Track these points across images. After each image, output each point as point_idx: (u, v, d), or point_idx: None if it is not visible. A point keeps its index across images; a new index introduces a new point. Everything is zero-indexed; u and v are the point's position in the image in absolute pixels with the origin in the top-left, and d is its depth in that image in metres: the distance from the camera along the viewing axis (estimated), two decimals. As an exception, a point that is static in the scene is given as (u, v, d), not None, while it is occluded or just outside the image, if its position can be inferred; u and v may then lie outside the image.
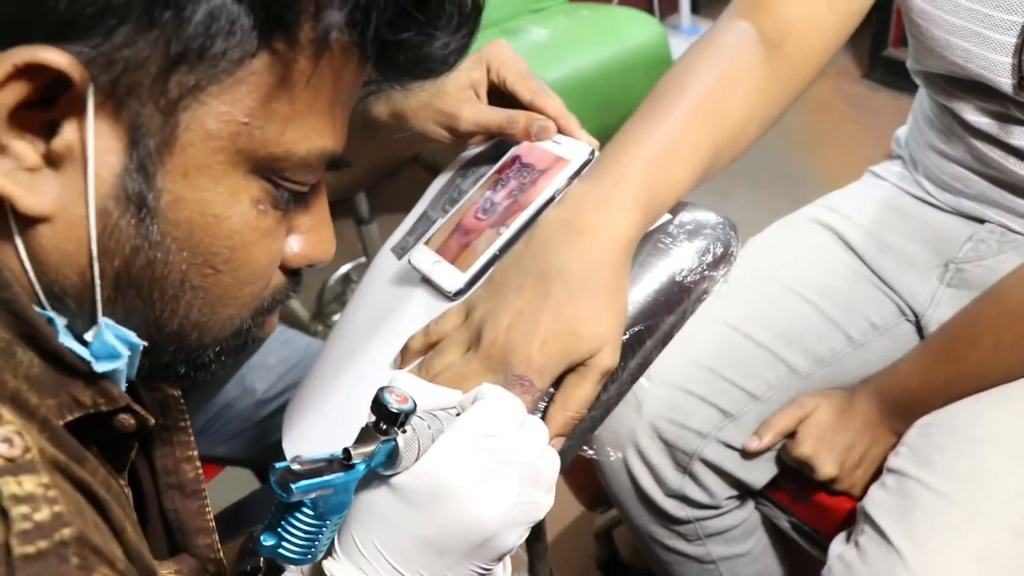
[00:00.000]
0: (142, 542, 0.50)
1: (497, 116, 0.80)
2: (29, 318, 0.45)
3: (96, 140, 0.44)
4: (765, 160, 0.84)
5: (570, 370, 0.66)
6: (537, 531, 1.03)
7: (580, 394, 0.66)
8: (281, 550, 0.53)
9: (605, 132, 0.79)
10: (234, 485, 1.31)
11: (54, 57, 0.41)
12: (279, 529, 0.53)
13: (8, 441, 0.39)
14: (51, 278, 0.47)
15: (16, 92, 0.41)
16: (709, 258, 0.72)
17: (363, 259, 2.21)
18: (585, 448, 0.75)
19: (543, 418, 0.66)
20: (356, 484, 0.55)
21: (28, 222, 0.45)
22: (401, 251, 0.83)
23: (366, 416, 0.70)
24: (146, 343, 0.50)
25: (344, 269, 2.26)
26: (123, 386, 0.51)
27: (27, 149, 0.43)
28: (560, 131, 0.79)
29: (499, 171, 0.80)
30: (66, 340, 0.47)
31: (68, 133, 0.44)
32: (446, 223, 0.79)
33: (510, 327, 0.65)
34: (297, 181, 0.51)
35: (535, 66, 0.84)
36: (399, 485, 0.54)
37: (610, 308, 0.67)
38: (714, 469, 1.05)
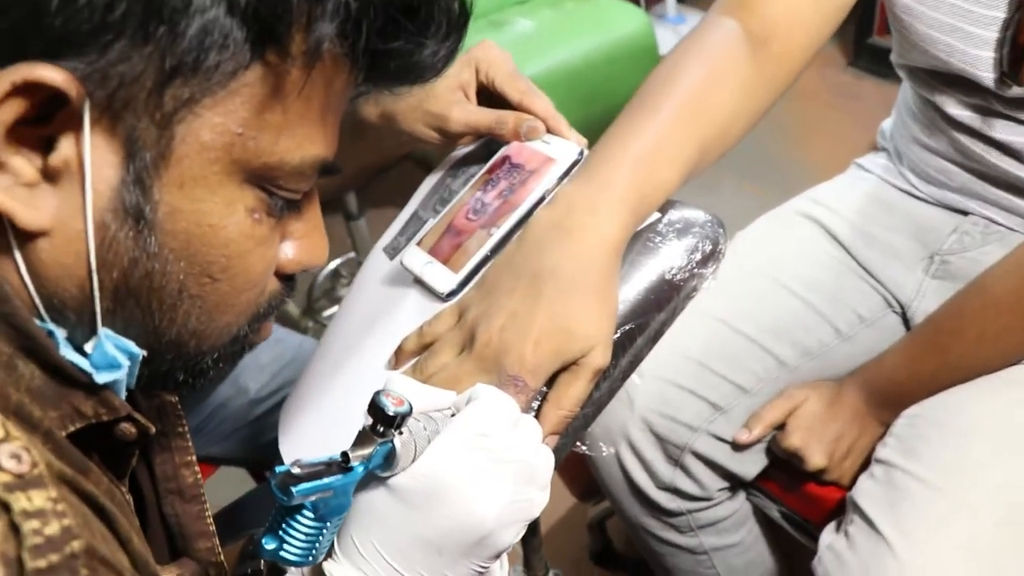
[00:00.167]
0: (147, 550, 0.50)
1: (486, 117, 0.80)
2: (29, 331, 0.46)
3: (93, 154, 0.44)
4: (752, 149, 0.85)
5: (563, 369, 0.67)
6: (532, 526, 1.04)
7: (573, 393, 0.67)
8: (283, 553, 0.54)
9: (592, 123, 0.79)
10: (229, 484, 1.32)
11: (51, 75, 0.41)
12: (280, 532, 0.54)
13: (16, 457, 0.40)
14: (50, 291, 0.47)
15: (13, 109, 0.42)
16: (698, 256, 0.73)
17: (352, 254, 2.22)
18: (578, 444, 0.76)
19: (537, 417, 0.67)
20: (355, 486, 0.55)
21: (27, 236, 0.45)
22: (393, 251, 0.84)
23: (362, 417, 0.71)
24: (145, 352, 0.51)
25: (333, 265, 2.26)
26: (123, 395, 0.52)
27: (25, 165, 0.44)
28: (549, 131, 0.80)
29: (489, 171, 0.80)
30: (66, 352, 0.48)
31: (65, 148, 0.44)
32: (437, 224, 0.79)
33: (503, 328, 0.66)
34: (291, 189, 0.51)
35: (521, 58, 0.84)
36: (397, 486, 0.55)
37: (601, 308, 0.67)
38: (705, 461, 1.07)
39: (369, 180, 1.00)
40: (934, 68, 0.96)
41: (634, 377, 0.74)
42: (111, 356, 0.49)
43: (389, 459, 0.55)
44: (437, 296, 0.75)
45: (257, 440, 1.19)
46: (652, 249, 0.73)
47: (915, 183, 1.10)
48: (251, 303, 0.54)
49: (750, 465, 1.08)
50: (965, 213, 1.06)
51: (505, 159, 0.80)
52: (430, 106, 0.81)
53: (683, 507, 1.10)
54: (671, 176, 0.75)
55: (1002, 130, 0.94)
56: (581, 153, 0.77)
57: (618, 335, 0.70)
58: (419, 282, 0.77)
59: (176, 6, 0.42)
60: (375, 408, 0.55)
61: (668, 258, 0.73)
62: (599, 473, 1.12)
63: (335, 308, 2.20)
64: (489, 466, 0.56)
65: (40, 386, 0.47)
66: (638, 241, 0.74)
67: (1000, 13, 0.86)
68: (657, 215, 0.75)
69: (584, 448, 0.77)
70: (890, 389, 0.99)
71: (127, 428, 0.52)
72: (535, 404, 0.68)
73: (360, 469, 0.54)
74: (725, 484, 1.10)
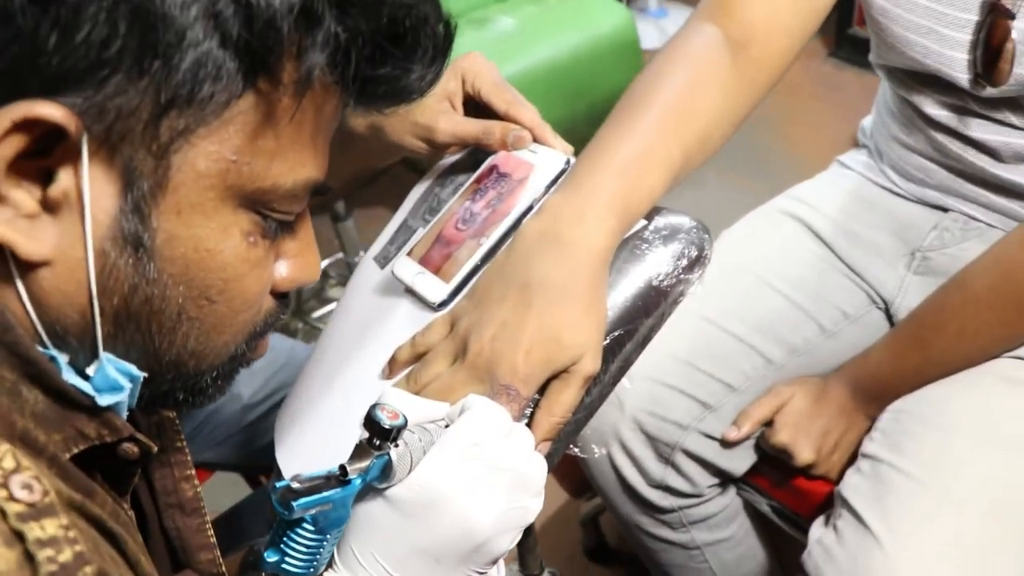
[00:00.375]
0: (154, 571, 0.52)
1: (473, 127, 0.81)
2: (33, 358, 0.47)
3: (92, 185, 0.45)
4: (735, 140, 0.86)
5: (554, 377, 0.68)
6: (527, 528, 1.05)
7: (564, 400, 0.68)
8: (285, 565, 0.55)
9: (575, 119, 0.80)
10: (223, 490, 1.33)
11: (50, 111, 0.42)
12: (282, 545, 0.55)
13: (28, 487, 0.41)
14: (52, 318, 0.48)
15: (14, 145, 0.43)
16: (684, 262, 0.74)
17: (340, 255, 2.22)
18: (570, 447, 0.77)
19: (529, 424, 0.68)
20: (353, 498, 0.57)
21: (29, 266, 0.46)
22: (383, 260, 0.85)
23: (358, 428, 0.72)
24: (146, 374, 0.52)
25: (322, 266, 2.27)
26: (125, 416, 0.53)
27: (25, 197, 0.45)
28: (535, 140, 0.81)
29: (477, 181, 0.81)
30: (69, 377, 0.49)
31: (64, 180, 0.45)
32: (427, 233, 0.80)
33: (495, 338, 0.67)
34: (284, 211, 0.53)
35: (503, 56, 0.85)
36: (394, 497, 0.57)
37: (590, 316, 0.69)
38: (695, 459, 1.08)
39: (358, 188, 1.01)
40: (911, 68, 0.97)
41: (624, 381, 0.75)
42: (113, 379, 0.50)
43: (386, 471, 0.57)
44: (428, 306, 0.76)
45: (251, 445, 1.20)
46: (639, 256, 0.74)
47: (896, 180, 1.12)
48: (248, 322, 0.55)
49: (740, 461, 1.10)
50: (945, 210, 1.08)
51: (493, 168, 0.81)
52: (417, 117, 0.82)
53: (675, 504, 1.11)
54: (656, 183, 0.76)
55: (978, 129, 0.96)
56: (567, 162, 0.78)
57: (607, 341, 0.71)
58: (410, 292, 0.78)
59: (170, 41, 0.43)
60: (371, 422, 0.56)
61: (655, 264, 0.74)
62: (591, 472, 1.14)
63: (325, 309, 2.21)
64: (484, 475, 0.57)
65: (44, 410, 0.48)
66: (625, 248, 0.75)
67: (972, 16, 0.88)
68: (643, 223, 0.76)
69: (576, 450, 0.78)
70: (875, 384, 1.01)
71: (129, 448, 0.53)
72: (528, 411, 0.69)
73: (358, 482, 0.56)
74: (715, 480, 1.12)
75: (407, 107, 0.81)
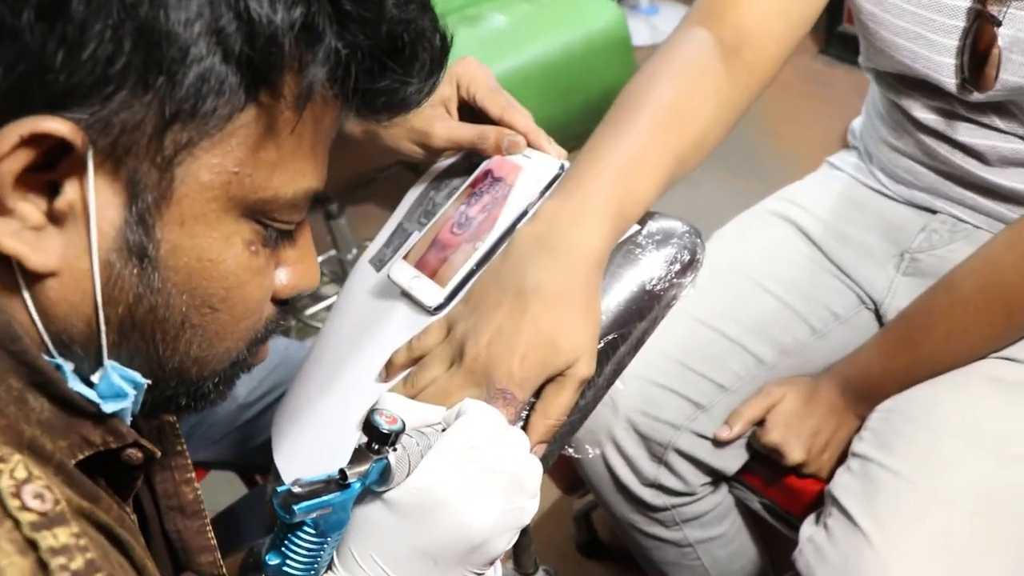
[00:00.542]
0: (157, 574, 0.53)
1: (468, 132, 0.82)
2: (39, 367, 0.48)
3: (97, 197, 0.46)
4: (727, 138, 0.88)
5: (549, 380, 0.69)
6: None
7: (559, 402, 0.69)
8: (286, 568, 0.56)
9: (568, 116, 0.81)
10: (219, 488, 1.33)
11: (56, 126, 0.43)
12: (283, 548, 0.56)
13: (40, 497, 0.42)
14: (59, 327, 0.49)
15: (21, 159, 0.44)
16: (677, 266, 0.75)
17: (333, 252, 2.23)
18: (565, 448, 0.78)
19: (525, 427, 0.70)
20: (353, 502, 0.58)
21: (35, 277, 0.47)
22: (379, 263, 0.86)
23: (355, 430, 0.73)
24: (149, 381, 0.53)
25: (315, 263, 2.27)
26: (128, 422, 0.54)
27: (31, 209, 0.46)
28: (530, 145, 0.82)
29: (472, 185, 0.82)
30: (74, 384, 0.50)
31: (70, 192, 0.46)
32: (423, 237, 0.81)
33: (491, 343, 0.68)
34: (285, 220, 0.53)
35: (495, 53, 0.86)
36: (393, 500, 0.58)
37: (585, 321, 0.70)
38: (688, 458, 1.09)
39: (352, 190, 1.02)
40: (899, 73, 0.98)
41: (618, 383, 0.76)
42: (117, 386, 0.51)
43: (385, 475, 0.58)
44: (425, 310, 0.77)
45: (246, 444, 1.20)
46: (632, 260, 0.75)
47: (885, 182, 1.13)
48: (250, 329, 0.56)
49: (731, 460, 1.11)
50: (933, 212, 1.09)
51: (487, 173, 0.82)
52: (413, 122, 0.83)
53: (668, 502, 1.13)
54: (650, 188, 0.77)
55: (965, 133, 0.97)
56: (562, 167, 0.79)
57: (601, 345, 0.73)
58: (406, 295, 0.79)
59: (174, 57, 0.44)
60: (370, 427, 0.57)
61: (648, 269, 0.75)
62: (585, 471, 1.15)
63: (318, 306, 2.21)
64: (480, 478, 0.59)
65: (50, 418, 0.49)
66: (619, 253, 0.76)
67: (959, 22, 0.89)
68: (637, 227, 0.77)
69: (570, 450, 0.79)
70: (865, 384, 1.02)
71: (133, 453, 0.54)
72: (523, 414, 0.70)
73: (357, 485, 0.57)
74: (708, 479, 1.13)
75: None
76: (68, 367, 0.50)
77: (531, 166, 0.80)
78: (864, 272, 1.12)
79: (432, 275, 0.77)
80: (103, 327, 0.49)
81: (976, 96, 0.92)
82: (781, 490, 1.11)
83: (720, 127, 0.87)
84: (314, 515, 0.55)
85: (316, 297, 2.28)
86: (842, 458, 1.02)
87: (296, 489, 0.55)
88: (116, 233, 0.47)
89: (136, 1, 0.42)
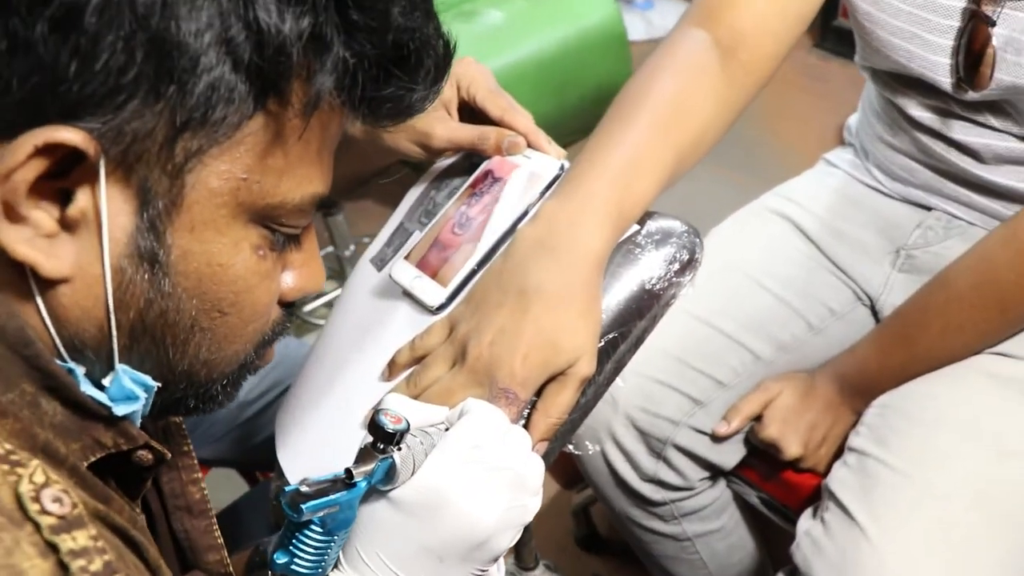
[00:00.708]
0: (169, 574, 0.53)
1: (469, 133, 0.83)
2: (52, 371, 0.48)
3: (109, 204, 0.47)
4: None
5: (551, 379, 0.70)
6: (524, 523, 1.07)
7: (561, 401, 0.70)
8: (294, 566, 0.57)
9: (564, 111, 0.81)
10: (219, 485, 1.34)
11: (70, 136, 0.44)
12: (291, 547, 0.57)
13: (59, 500, 0.43)
14: (71, 332, 0.50)
15: (35, 168, 0.44)
16: (676, 265, 0.76)
17: (330, 248, 2.23)
18: (566, 445, 0.79)
19: (527, 425, 0.71)
20: (359, 500, 0.59)
21: (48, 284, 0.48)
22: (380, 263, 0.86)
23: (358, 429, 0.74)
24: (160, 384, 0.53)
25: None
26: (138, 424, 0.55)
27: (44, 217, 0.46)
28: (530, 145, 0.82)
29: (472, 185, 0.83)
30: (86, 388, 0.51)
31: (82, 200, 0.46)
32: (424, 237, 0.82)
33: (493, 343, 0.69)
34: (292, 225, 0.54)
35: (491, 49, 0.86)
36: (398, 499, 0.59)
37: (586, 321, 0.71)
38: (686, 453, 1.10)
39: (352, 190, 1.03)
40: (895, 71, 0.99)
41: (618, 380, 0.77)
42: (128, 389, 0.52)
43: (390, 474, 0.58)
44: (427, 309, 0.77)
45: (247, 442, 1.21)
46: (632, 260, 0.76)
47: (881, 179, 1.14)
48: (257, 332, 0.57)
49: (729, 455, 1.12)
50: (928, 208, 1.10)
51: (488, 173, 0.82)
52: (414, 123, 0.83)
53: (667, 497, 1.14)
54: (649, 188, 0.77)
55: (960, 131, 0.98)
56: (562, 168, 0.79)
57: (602, 344, 0.73)
58: (408, 295, 0.79)
59: (185, 66, 0.45)
60: (375, 426, 0.58)
61: (648, 268, 0.76)
62: (584, 467, 1.16)
63: (316, 303, 2.22)
64: (483, 476, 0.59)
65: (63, 421, 0.50)
66: (619, 252, 0.76)
67: (954, 22, 0.90)
68: (636, 227, 0.78)
69: (571, 447, 0.80)
70: (861, 379, 1.03)
71: (144, 455, 0.55)
72: (525, 412, 0.71)
73: (363, 484, 0.58)
74: (706, 474, 1.14)
75: (406, 119, 0.83)
76: (80, 371, 0.51)
77: (532, 166, 0.80)
78: (860, 269, 1.13)
79: (433, 275, 0.78)
80: (115, 332, 0.50)
81: (971, 95, 0.93)
82: (779, 484, 1.12)
83: (718, 127, 0.88)
84: (321, 514, 0.56)
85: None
86: (839, 453, 1.03)
87: (304, 488, 0.56)
88: (127, 239, 0.48)
89: (148, 12, 0.43)
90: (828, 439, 1.06)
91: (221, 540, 0.68)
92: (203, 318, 0.52)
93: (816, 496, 1.04)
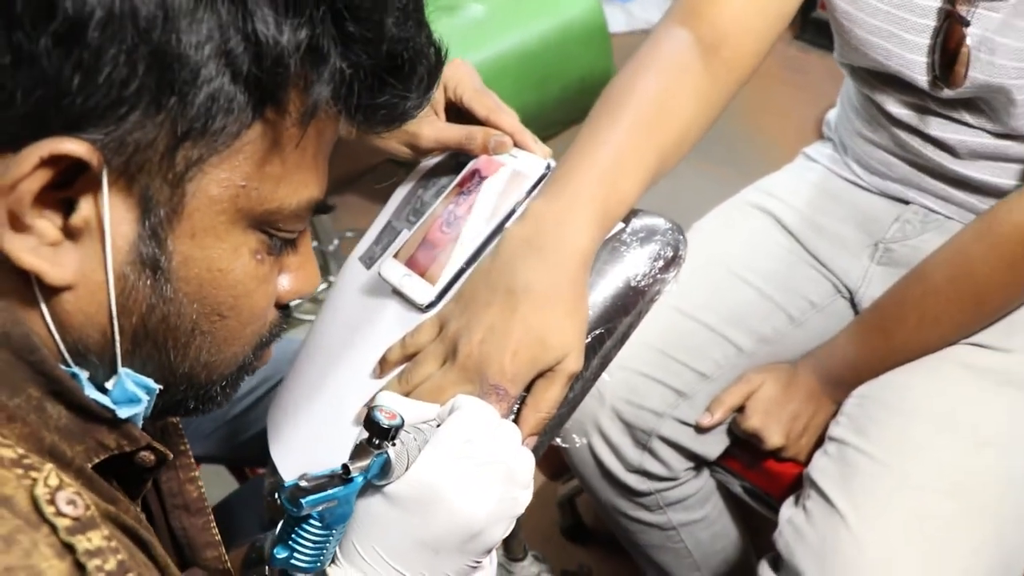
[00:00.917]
0: (178, 573, 0.55)
1: (456, 133, 0.84)
2: (57, 376, 0.50)
3: (111, 213, 0.48)
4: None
5: (539, 376, 0.72)
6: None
7: (549, 396, 0.72)
8: (293, 560, 0.58)
9: (545, 104, 0.82)
10: (208, 481, 1.34)
11: (74, 147, 0.45)
12: (290, 542, 0.58)
13: (72, 503, 0.44)
14: (74, 337, 0.51)
15: (40, 179, 0.45)
16: (661, 262, 0.78)
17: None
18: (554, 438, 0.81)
19: (516, 420, 0.72)
20: (355, 495, 0.60)
21: (52, 291, 0.49)
22: (369, 261, 0.87)
23: (350, 426, 0.75)
24: (161, 386, 0.55)
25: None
26: (140, 426, 0.56)
27: (48, 226, 0.47)
28: (516, 145, 0.84)
29: (460, 184, 0.84)
30: (90, 392, 0.52)
31: (85, 209, 0.48)
32: (412, 236, 0.83)
33: (483, 341, 0.71)
34: (289, 229, 0.56)
35: (473, 43, 0.87)
36: (393, 493, 0.60)
37: (573, 318, 0.72)
38: (671, 444, 1.12)
39: (338, 188, 1.04)
40: (873, 69, 1.01)
41: (604, 375, 0.79)
42: (131, 392, 0.53)
43: (385, 469, 0.60)
44: (416, 307, 0.79)
45: (236, 438, 1.21)
46: (618, 257, 0.78)
47: (859, 173, 1.16)
48: (256, 334, 0.58)
49: (713, 446, 1.14)
50: (906, 202, 1.12)
51: (475, 172, 0.84)
52: None
53: (652, 487, 1.15)
54: (633, 187, 0.79)
55: (937, 127, 1.00)
56: (548, 167, 0.81)
57: (589, 340, 0.75)
58: (397, 293, 0.80)
59: (185, 78, 0.46)
60: (370, 423, 0.60)
61: (633, 265, 0.78)
62: (571, 459, 1.18)
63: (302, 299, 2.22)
64: (475, 470, 0.61)
65: (67, 424, 0.51)
66: (604, 250, 0.78)
67: (930, 21, 0.92)
68: (621, 225, 0.79)
69: (558, 440, 0.82)
70: (841, 370, 1.05)
71: (146, 456, 0.56)
72: (515, 408, 0.72)
73: (360, 479, 0.59)
74: (690, 464, 1.15)
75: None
76: (84, 375, 0.52)
77: (518, 166, 0.82)
78: (840, 262, 1.15)
79: (422, 273, 0.79)
80: (117, 336, 0.51)
81: (946, 92, 0.95)
82: (761, 474, 1.14)
83: (701, 124, 0.89)
84: (320, 508, 0.57)
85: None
86: (819, 442, 1.05)
87: (303, 483, 0.57)
88: (130, 247, 0.49)
89: (149, 26, 0.44)
90: (809, 429, 1.08)
91: (219, 537, 0.69)
92: (203, 322, 0.54)
93: (798, 485, 1.06)
